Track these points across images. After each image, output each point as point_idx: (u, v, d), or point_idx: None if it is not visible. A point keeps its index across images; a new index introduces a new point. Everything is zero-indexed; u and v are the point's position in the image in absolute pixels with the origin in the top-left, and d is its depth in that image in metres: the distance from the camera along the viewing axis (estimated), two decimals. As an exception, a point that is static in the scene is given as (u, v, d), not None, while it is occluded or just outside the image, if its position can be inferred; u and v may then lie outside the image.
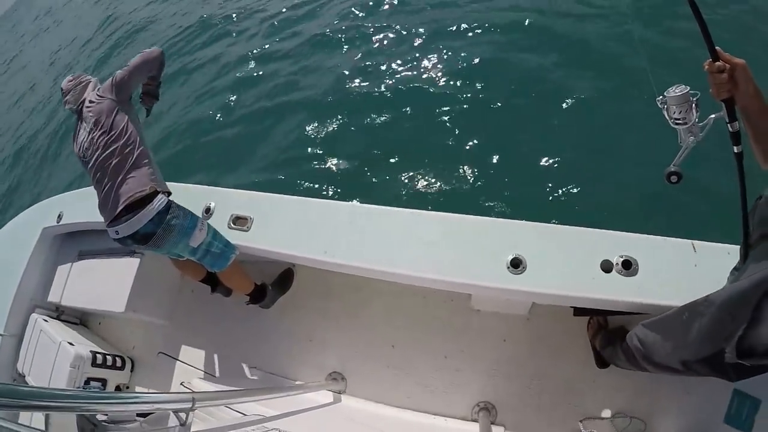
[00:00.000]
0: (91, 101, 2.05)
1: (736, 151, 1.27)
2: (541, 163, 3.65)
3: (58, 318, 2.87)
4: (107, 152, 1.98)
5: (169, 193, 2.07)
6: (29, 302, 2.88)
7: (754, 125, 1.24)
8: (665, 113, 1.31)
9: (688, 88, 1.25)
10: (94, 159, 2.00)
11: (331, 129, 4.72)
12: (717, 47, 1.19)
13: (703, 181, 2.78)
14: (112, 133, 1.98)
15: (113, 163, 1.97)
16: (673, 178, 1.38)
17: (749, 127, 1.25)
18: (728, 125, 1.26)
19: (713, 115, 1.28)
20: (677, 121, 1.29)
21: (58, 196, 3.03)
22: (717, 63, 1.19)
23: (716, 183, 2.67)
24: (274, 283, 2.49)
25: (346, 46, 5.76)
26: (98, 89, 2.08)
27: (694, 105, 1.27)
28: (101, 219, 2.06)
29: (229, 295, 2.50)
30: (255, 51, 6.52)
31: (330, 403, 2.07)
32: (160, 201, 1.96)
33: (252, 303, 2.42)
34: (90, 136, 2.01)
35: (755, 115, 1.23)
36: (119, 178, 1.97)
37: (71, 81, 2.16)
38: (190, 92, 6.46)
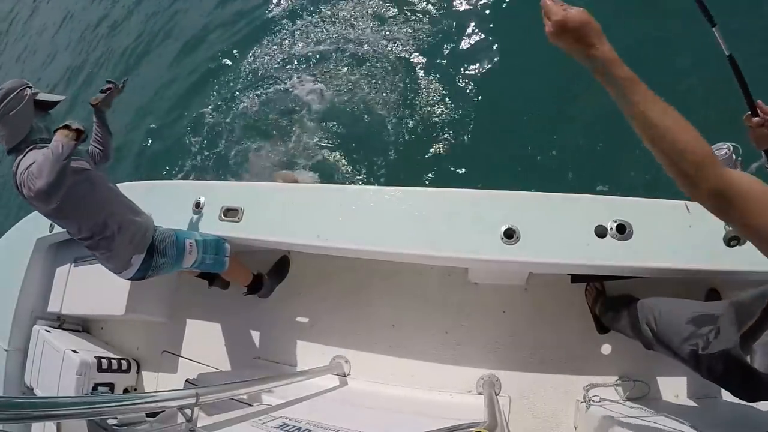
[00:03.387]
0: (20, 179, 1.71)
1: None
2: (527, 131, 3.58)
3: (60, 327, 2.86)
4: (73, 230, 1.92)
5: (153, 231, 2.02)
6: (30, 314, 2.87)
7: None
8: None
9: (730, 146, 1.24)
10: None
11: (307, 114, 4.56)
12: (758, 101, 1.17)
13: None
14: (69, 220, 1.87)
15: (82, 237, 1.91)
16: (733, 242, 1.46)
17: None
18: None
19: (755, 164, 1.28)
20: None
21: None
22: (756, 118, 1.17)
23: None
24: (270, 271, 2.49)
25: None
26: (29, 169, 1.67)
27: (739, 162, 1.27)
28: None
29: (226, 288, 2.50)
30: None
31: (335, 387, 2.09)
32: (138, 259, 1.96)
33: (250, 294, 2.42)
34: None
35: None
36: (95, 253, 1.96)
37: None
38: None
